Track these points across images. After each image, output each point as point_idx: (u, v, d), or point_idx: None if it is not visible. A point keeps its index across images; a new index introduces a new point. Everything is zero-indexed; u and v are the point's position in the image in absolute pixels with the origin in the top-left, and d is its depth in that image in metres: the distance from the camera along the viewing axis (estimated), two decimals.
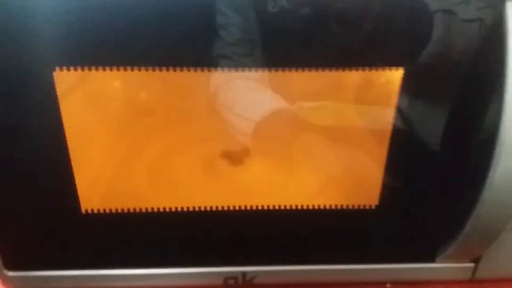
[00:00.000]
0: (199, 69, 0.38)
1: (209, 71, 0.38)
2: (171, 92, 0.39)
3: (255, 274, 0.49)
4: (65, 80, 0.38)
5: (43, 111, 0.39)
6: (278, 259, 0.49)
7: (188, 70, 0.38)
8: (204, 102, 0.40)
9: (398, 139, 0.42)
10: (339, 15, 0.37)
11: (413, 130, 0.42)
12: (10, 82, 0.37)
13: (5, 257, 0.46)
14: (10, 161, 0.41)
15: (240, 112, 0.40)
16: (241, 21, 0.37)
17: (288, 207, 0.45)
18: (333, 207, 0.45)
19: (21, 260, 0.47)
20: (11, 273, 0.47)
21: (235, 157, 0.42)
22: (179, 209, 0.44)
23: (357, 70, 0.39)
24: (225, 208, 0.44)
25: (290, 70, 0.38)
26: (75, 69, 0.37)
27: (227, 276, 0.49)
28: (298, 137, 0.42)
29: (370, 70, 0.39)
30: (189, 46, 0.38)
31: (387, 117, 0.41)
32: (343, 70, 0.39)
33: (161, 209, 0.44)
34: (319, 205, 0.45)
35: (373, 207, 0.45)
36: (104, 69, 0.37)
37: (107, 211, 0.43)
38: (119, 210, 0.43)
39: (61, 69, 0.37)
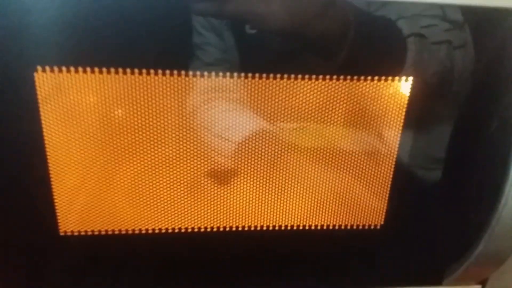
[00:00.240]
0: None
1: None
2: (149, 109, 0.38)
3: None
4: (47, 83, 0.35)
5: (22, 118, 0.36)
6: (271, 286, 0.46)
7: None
8: (183, 122, 0.39)
9: (404, 158, 0.41)
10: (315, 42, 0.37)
11: (419, 150, 0.42)
12: None
13: None
14: None
15: (220, 133, 0.40)
16: (218, 41, 0.37)
17: (280, 228, 0.43)
18: (336, 227, 0.44)
19: None
20: None
21: (219, 178, 0.41)
22: (162, 231, 0.42)
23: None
24: (211, 230, 0.43)
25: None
26: (59, 70, 0.34)
27: None
28: (285, 157, 0.42)
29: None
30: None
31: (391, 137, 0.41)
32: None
33: (142, 231, 0.42)
34: (316, 225, 0.44)
35: (378, 227, 0.44)
36: (85, 71, 0.35)
37: (86, 232, 0.41)
38: (97, 232, 0.42)
39: (43, 70, 0.34)
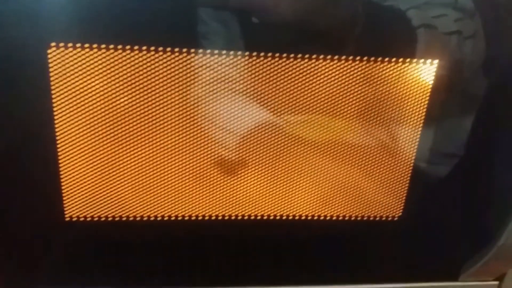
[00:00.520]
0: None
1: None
2: (158, 91, 0.37)
3: None
4: (60, 60, 0.34)
5: (33, 96, 0.35)
6: (281, 279, 0.45)
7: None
8: (188, 112, 0.39)
9: (425, 145, 0.41)
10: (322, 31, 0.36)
11: (440, 140, 0.41)
12: None
13: None
14: None
15: (225, 124, 0.39)
16: (224, 30, 0.37)
17: (290, 217, 0.43)
18: (352, 218, 0.43)
19: None
20: None
21: (227, 166, 0.41)
22: (168, 218, 0.42)
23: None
24: (220, 218, 0.42)
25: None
26: (74, 47, 0.33)
27: None
28: (297, 149, 0.41)
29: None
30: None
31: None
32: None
33: (151, 218, 0.42)
34: (331, 215, 0.43)
35: (395, 218, 0.43)
36: (99, 48, 0.34)
37: (92, 218, 0.41)
38: (103, 218, 0.41)
39: (57, 46, 0.33)
